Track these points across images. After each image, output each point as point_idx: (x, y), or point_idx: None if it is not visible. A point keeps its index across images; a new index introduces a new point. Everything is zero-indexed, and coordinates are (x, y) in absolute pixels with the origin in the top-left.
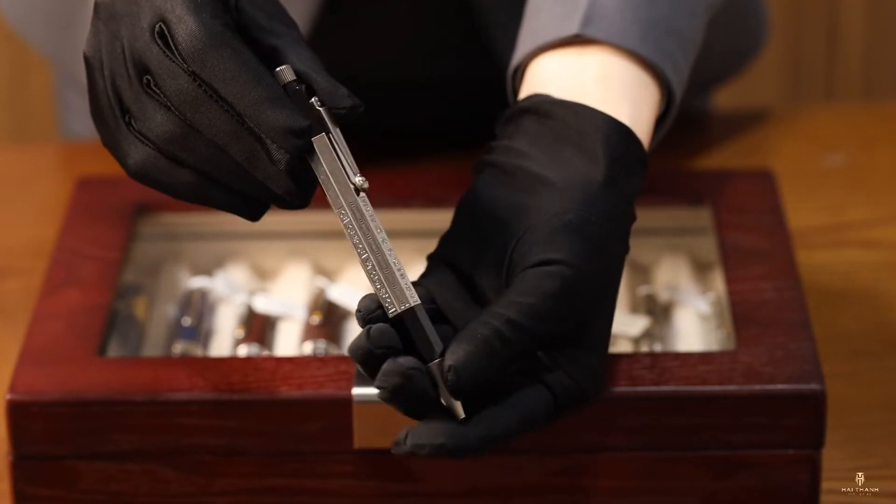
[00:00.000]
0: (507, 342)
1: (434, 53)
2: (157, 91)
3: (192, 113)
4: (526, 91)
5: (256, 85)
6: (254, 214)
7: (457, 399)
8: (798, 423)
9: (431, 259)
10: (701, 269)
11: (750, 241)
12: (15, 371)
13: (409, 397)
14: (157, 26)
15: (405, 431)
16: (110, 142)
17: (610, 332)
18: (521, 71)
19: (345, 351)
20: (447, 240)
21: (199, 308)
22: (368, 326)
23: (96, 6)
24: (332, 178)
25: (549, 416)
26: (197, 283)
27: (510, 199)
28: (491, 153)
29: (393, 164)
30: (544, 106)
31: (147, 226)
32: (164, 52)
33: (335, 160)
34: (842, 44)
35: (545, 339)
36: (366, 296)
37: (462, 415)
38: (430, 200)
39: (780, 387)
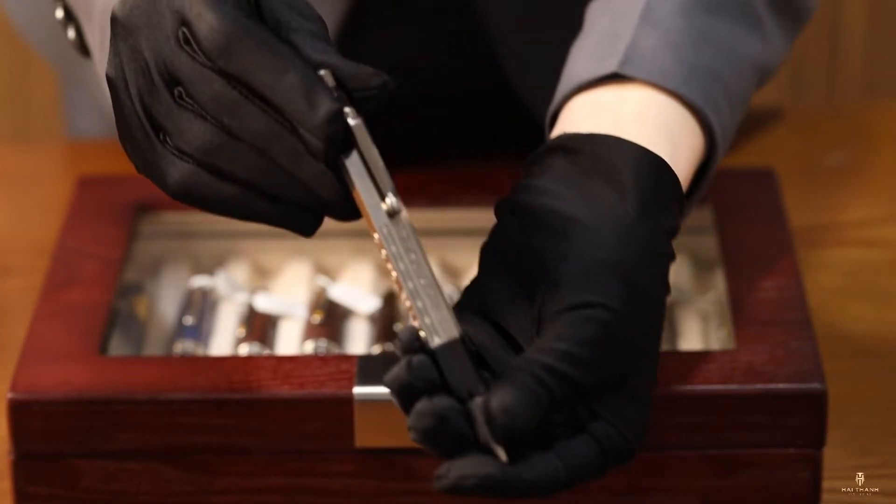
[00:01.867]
0: (547, 388)
1: (444, 70)
2: (191, 101)
3: (230, 117)
4: (558, 131)
5: (287, 72)
6: (305, 228)
7: (502, 444)
8: (799, 422)
9: (459, 307)
10: (702, 268)
11: (751, 239)
12: (16, 370)
13: (443, 439)
14: (180, 32)
15: (447, 465)
16: (145, 165)
17: (654, 380)
18: (556, 115)
19: (346, 349)
20: (474, 288)
21: (201, 307)
22: (409, 357)
23: (113, 23)
24: (363, 197)
25: (597, 468)
26: (198, 281)
27: (538, 242)
28: (515, 193)
29: (392, 165)
30: (573, 142)
31: (148, 225)
32: (194, 57)
33: (365, 175)
34: (843, 42)
35: (585, 386)
36: (408, 326)
37: (505, 458)
38: (430, 199)
39: (781, 386)
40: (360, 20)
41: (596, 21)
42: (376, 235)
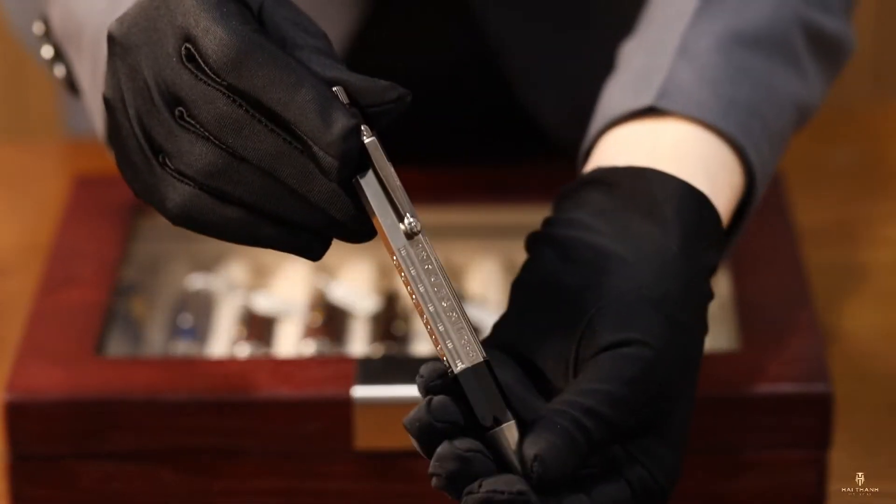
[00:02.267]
0: (586, 432)
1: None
2: (192, 122)
3: (235, 138)
4: (592, 166)
5: (300, 87)
6: (313, 251)
7: (539, 492)
8: (805, 423)
9: (487, 345)
10: None
11: (757, 239)
12: (13, 370)
13: (467, 482)
14: (183, 48)
15: (479, 481)
16: (144, 188)
17: (689, 423)
18: (589, 152)
19: (345, 350)
20: (503, 324)
21: (199, 307)
22: (430, 397)
23: (110, 41)
24: (380, 218)
25: None
26: (196, 282)
27: (574, 276)
28: (549, 227)
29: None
30: (609, 175)
31: (146, 224)
32: (197, 75)
33: (381, 195)
34: None
35: (624, 428)
36: (431, 363)
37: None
38: (429, 198)
39: (786, 387)
40: (366, 36)
41: (630, 59)
42: (395, 258)
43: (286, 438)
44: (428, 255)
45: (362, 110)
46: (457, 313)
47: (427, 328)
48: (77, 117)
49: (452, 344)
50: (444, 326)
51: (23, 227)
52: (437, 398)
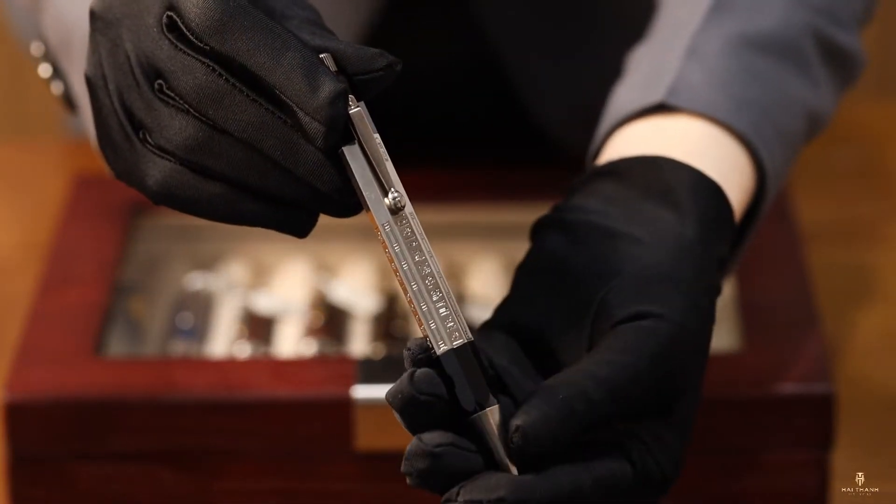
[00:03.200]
0: (591, 405)
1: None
2: (172, 95)
3: (216, 109)
4: (602, 161)
5: (286, 52)
6: (299, 228)
7: (514, 462)
8: (807, 424)
9: (486, 326)
10: None
11: (759, 240)
12: (12, 371)
13: (441, 479)
14: (165, 17)
15: (458, 487)
16: (125, 168)
17: (695, 417)
18: (598, 152)
19: (345, 349)
20: (506, 304)
21: (198, 307)
22: (413, 370)
23: (92, 17)
24: (364, 191)
25: (626, 489)
26: (196, 281)
27: (585, 257)
28: (558, 213)
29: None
30: (621, 166)
31: (145, 224)
32: (177, 45)
33: (365, 167)
34: None
35: (635, 405)
36: (418, 338)
37: (515, 471)
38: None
39: (789, 388)
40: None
41: (639, 62)
42: (379, 233)
43: (286, 439)
44: (413, 232)
45: (350, 79)
46: (441, 293)
47: (410, 307)
48: (77, 118)
49: (435, 324)
50: (428, 306)
51: (22, 227)
52: (421, 370)
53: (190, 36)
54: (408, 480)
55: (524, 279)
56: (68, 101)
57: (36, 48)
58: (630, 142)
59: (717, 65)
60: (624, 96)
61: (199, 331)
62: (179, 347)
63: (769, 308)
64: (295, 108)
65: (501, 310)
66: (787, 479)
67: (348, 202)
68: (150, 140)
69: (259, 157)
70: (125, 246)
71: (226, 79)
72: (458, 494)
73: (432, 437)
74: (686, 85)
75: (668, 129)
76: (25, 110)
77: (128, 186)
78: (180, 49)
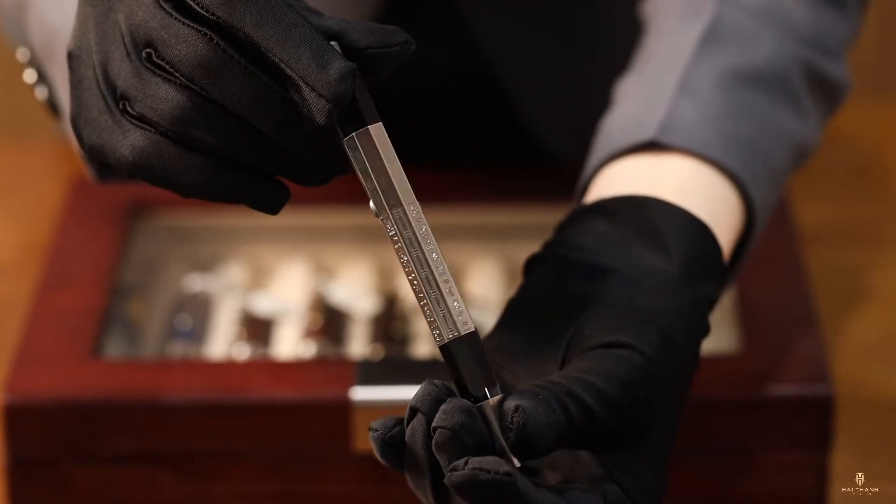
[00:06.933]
0: (567, 413)
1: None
2: (163, 63)
3: (212, 80)
4: (592, 198)
5: (295, 27)
6: (272, 203)
7: (517, 447)
8: (806, 425)
9: None
10: None
11: (758, 241)
12: (10, 372)
13: (473, 438)
14: None
15: (465, 458)
16: (97, 139)
17: (671, 445)
18: (587, 186)
19: (344, 351)
20: (491, 333)
21: (197, 309)
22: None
23: None
24: (374, 176)
25: None
26: (194, 283)
27: (570, 288)
28: (548, 249)
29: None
30: (611, 204)
31: (143, 225)
32: (171, 14)
33: (376, 152)
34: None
35: (605, 427)
36: (382, 418)
37: (517, 462)
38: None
39: (788, 389)
40: None
41: (628, 94)
42: (384, 222)
43: (285, 441)
44: (422, 220)
45: (362, 52)
46: (448, 282)
47: (418, 296)
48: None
49: (444, 312)
50: (437, 293)
51: (20, 229)
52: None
53: (194, 6)
54: (437, 436)
55: (509, 313)
56: (52, 106)
57: (21, 53)
58: (620, 180)
59: (708, 99)
60: (615, 131)
61: (198, 332)
62: (178, 349)
63: (768, 309)
64: (301, 84)
65: (486, 339)
66: (786, 480)
67: (325, 168)
68: (130, 110)
69: (247, 131)
70: (123, 247)
71: (224, 49)
72: (465, 463)
73: (461, 401)
74: (677, 122)
75: (659, 168)
76: (23, 112)
77: (99, 160)
78: (176, 18)
